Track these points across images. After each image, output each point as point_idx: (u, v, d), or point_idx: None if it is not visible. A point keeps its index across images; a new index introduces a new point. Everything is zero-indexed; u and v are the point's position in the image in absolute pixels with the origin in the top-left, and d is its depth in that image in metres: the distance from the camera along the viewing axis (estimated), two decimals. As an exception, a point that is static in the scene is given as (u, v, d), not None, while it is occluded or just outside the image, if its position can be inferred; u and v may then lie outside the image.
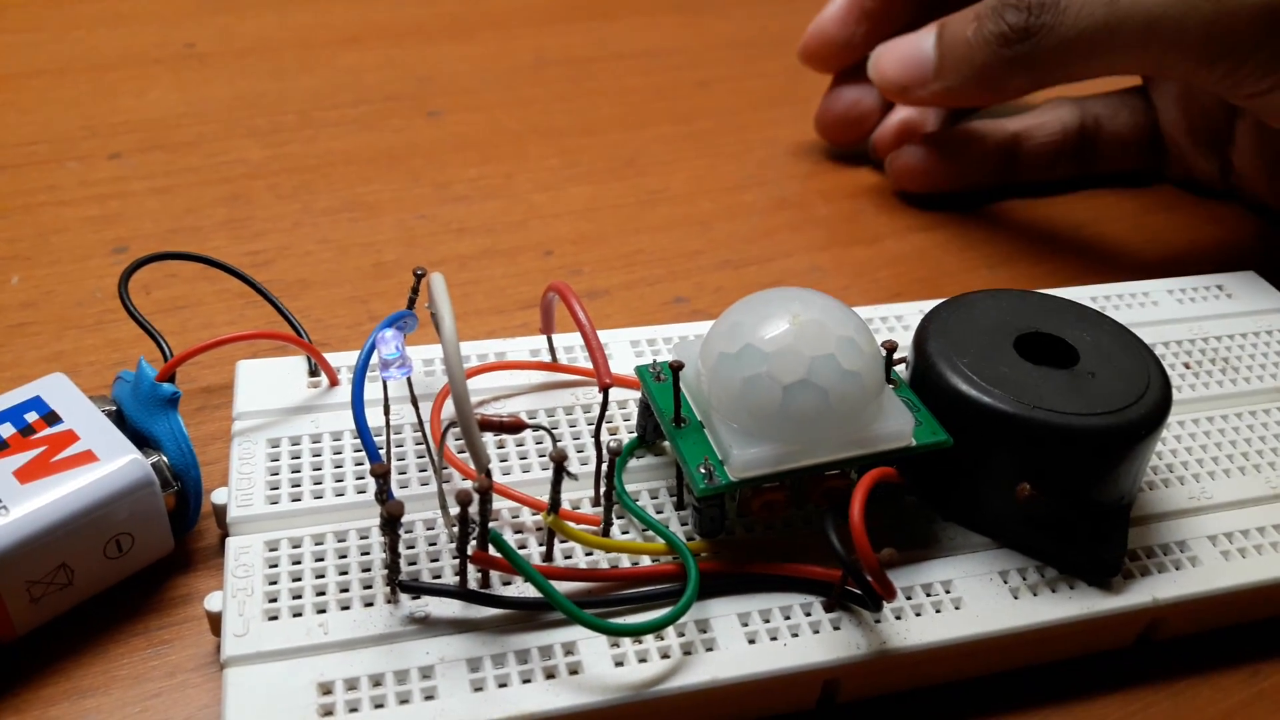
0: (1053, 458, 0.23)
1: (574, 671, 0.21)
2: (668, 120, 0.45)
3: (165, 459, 0.24)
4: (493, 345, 0.28)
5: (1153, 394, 0.23)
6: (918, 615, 0.23)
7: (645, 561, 0.23)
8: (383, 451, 0.24)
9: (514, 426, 0.22)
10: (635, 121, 0.44)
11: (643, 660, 0.21)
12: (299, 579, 0.22)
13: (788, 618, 0.22)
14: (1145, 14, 0.31)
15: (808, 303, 0.23)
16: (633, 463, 0.25)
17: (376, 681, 0.21)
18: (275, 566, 0.22)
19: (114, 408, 0.24)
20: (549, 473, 0.24)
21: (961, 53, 0.34)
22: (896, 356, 0.24)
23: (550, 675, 0.21)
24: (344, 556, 0.23)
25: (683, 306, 0.34)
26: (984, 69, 0.34)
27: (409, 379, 0.24)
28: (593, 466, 0.25)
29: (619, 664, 0.21)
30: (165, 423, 0.24)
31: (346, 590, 0.22)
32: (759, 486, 0.23)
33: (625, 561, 0.23)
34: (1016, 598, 0.23)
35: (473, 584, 0.22)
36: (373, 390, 0.25)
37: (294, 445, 0.25)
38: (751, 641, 0.22)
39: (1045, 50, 0.32)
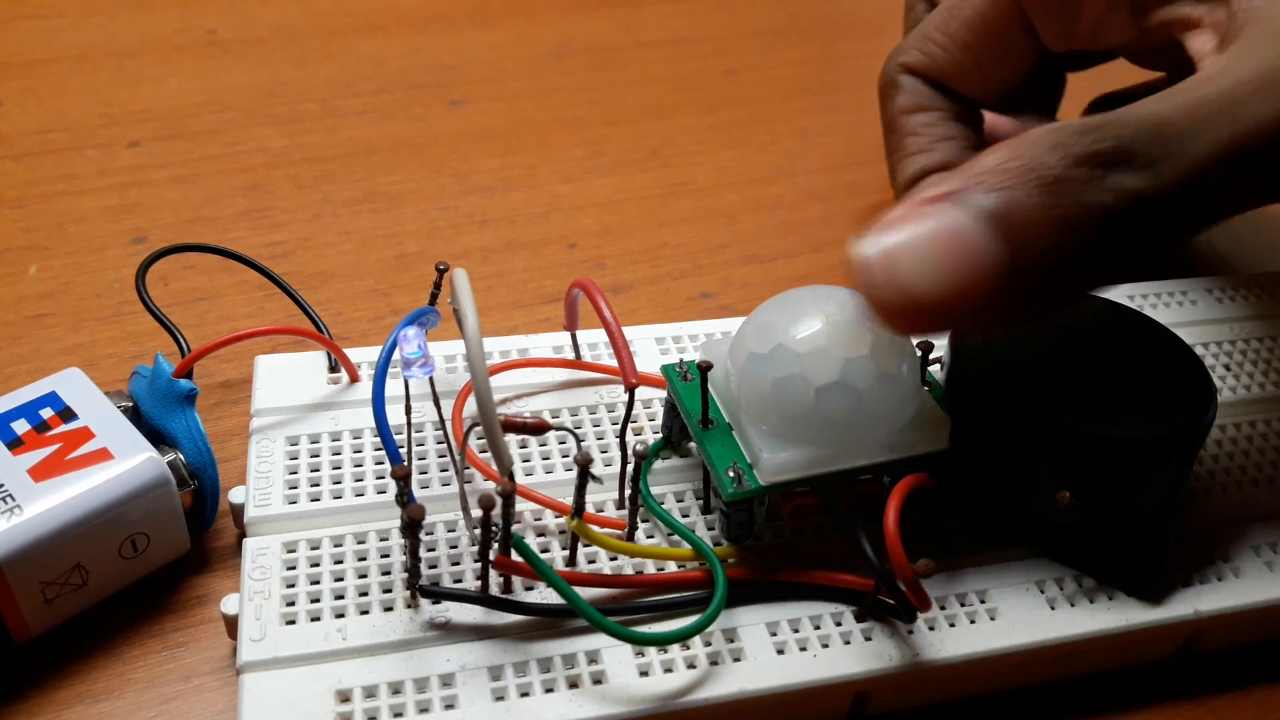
0: (1093, 465, 0.22)
1: (598, 681, 0.21)
2: (693, 110, 0.44)
3: (182, 457, 0.23)
4: (515, 341, 0.28)
5: (1197, 400, 0.23)
6: (951, 626, 0.22)
7: (671, 568, 0.22)
8: (403, 451, 0.24)
9: (538, 428, 0.22)
10: (660, 111, 0.44)
11: (668, 670, 0.21)
12: (317, 582, 0.22)
13: (818, 627, 0.22)
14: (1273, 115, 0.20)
15: (842, 302, 0.22)
16: (658, 465, 0.25)
17: (396, 689, 0.20)
18: (293, 569, 0.22)
19: (130, 404, 0.24)
20: (572, 474, 0.23)
21: (1049, 241, 0.19)
22: (931, 358, 0.24)
23: (573, 685, 0.20)
24: (363, 559, 0.22)
25: (709, 302, 0.34)
26: (1092, 257, 0.19)
27: (431, 377, 0.24)
28: (617, 468, 0.24)
29: (644, 674, 0.21)
30: (182, 420, 0.24)
31: (365, 594, 0.22)
32: (789, 491, 0.22)
33: (650, 567, 0.23)
34: (1054, 608, 0.23)
35: (494, 589, 0.22)
36: (393, 387, 0.24)
37: (313, 443, 0.25)
38: (780, 652, 0.21)
39: (1169, 209, 0.20)
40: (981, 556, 0.23)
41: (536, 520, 0.23)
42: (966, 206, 0.19)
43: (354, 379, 0.26)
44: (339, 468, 0.24)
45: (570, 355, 0.27)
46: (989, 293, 0.19)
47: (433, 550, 0.22)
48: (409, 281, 0.33)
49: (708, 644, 0.21)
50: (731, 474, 0.22)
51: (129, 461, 0.22)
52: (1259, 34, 0.21)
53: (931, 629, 0.22)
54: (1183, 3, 0.25)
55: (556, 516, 0.23)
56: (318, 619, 0.21)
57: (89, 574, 0.22)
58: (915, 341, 0.23)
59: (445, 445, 0.25)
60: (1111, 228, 0.19)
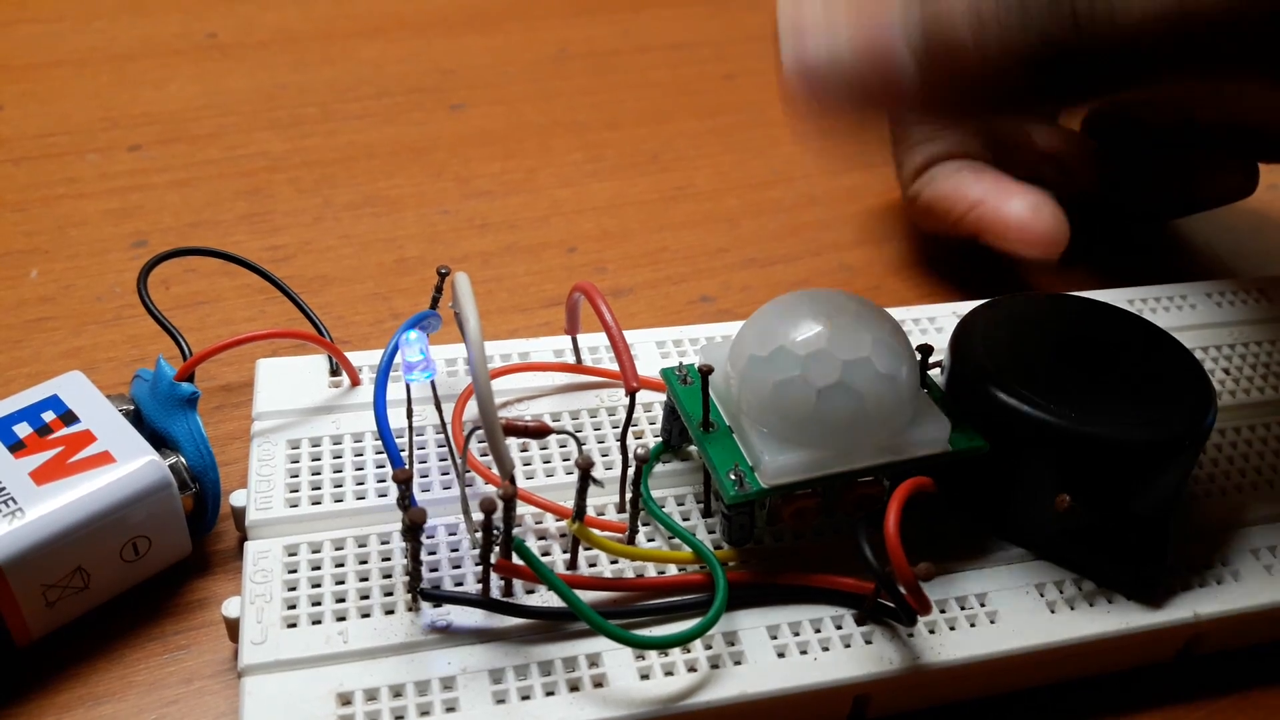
0: (1093, 468, 0.22)
1: (598, 684, 0.21)
2: (693, 114, 0.44)
3: (183, 460, 0.23)
4: (516, 345, 0.28)
5: (1196, 403, 0.23)
6: (952, 629, 0.22)
7: (672, 571, 0.22)
8: (405, 454, 0.24)
9: (539, 432, 0.22)
10: (660, 116, 0.44)
11: (669, 673, 0.21)
12: (318, 585, 0.22)
13: (818, 630, 0.22)
14: None
15: (841, 304, 0.22)
16: (658, 468, 0.25)
17: (397, 692, 0.20)
18: (294, 572, 0.22)
19: (132, 407, 0.24)
20: (573, 478, 0.23)
21: (962, 38, 0.20)
22: (931, 360, 0.24)
23: (574, 688, 0.20)
24: (364, 562, 0.22)
25: (708, 306, 0.34)
26: (1006, 71, 0.20)
27: (432, 381, 0.24)
28: (617, 472, 0.24)
29: (645, 677, 0.21)
30: (183, 423, 0.24)
31: (367, 597, 0.22)
32: (790, 494, 0.22)
33: (651, 570, 0.23)
34: (1053, 612, 0.23)
35: (495, 592, 0.22)
36: (394, 390, 0.25)
37: (314, 446, 0.25)
38: (781, 655, 0.21)
39: (1100, 41, 0.20)
40: (981, 560, 0.23)
41: (537, 523, 0.23)
42: (900, 31, 0.21)
43: (355, 382, 0.26)
44: (340, 471, 0.24)
45: (571, 359, 0.27)
46: (896, 77, 0.21)
47: (434, 553, 0.22)
48: (409, 285, 0.33)
49: (708, 647, 0.21)
50: (733, 477, 0.22)
51: (131, 465, 0.22)
52: None
53: (932, 632, 0.22)
54: None
55: (557, 520, 0.23)
56: (319, 622, 0.21)
57: (90, 577, 0.22)
58: (916, 345, 0.23)
59: (446, 449, 0.25)
60: (1029, 64, 0.20)
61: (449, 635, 0.21)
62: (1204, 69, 0.22)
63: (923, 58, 0.20)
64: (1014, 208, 0.32)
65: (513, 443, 0.25)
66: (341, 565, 0.22)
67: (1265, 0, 0.20)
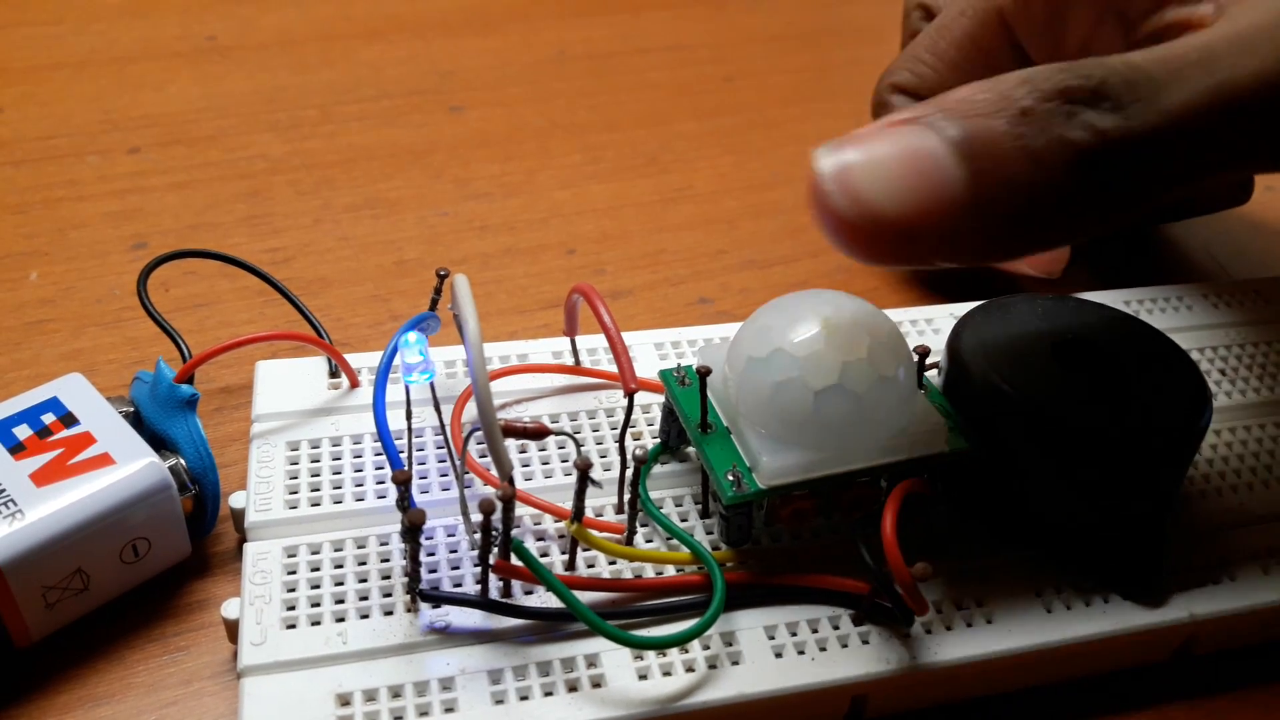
0: (1090, 468, 0.22)
1: (597, 684, 0.21)
2: (692, 116, 0.44)
3: (183, 462, 0.23)
4: (515, 347, 0.28)
5: (1192, 403, 0.23)
6: (949, 629, 0.22)
7: (670, 571, 0.23)
8: (404, 456, 0.24)
9: (538, 433, 0.22)
10: (659, 117, 0.44)
11: (667, 674, 0.21)
12: (318, 586, 0.22)
13: (815, 631, 0.22)
14: (1266, 70, 0.19)
15: (839, 305, 0.23)
16: (656, 469, 0.25)
17: (396, 693, 0.20)
18: (294, 573, 0.22)
19: (131, 409, 0.24)
20: (572, 479, 0.23)
21: (1013, 172, 0.18)
22: (928, 362, 0.24)
23: (573, 688, 0.20)
24: (363, 564, 0.22)
25: (707, 308, 0.34)
26: (1058, 200, 0.19)
27: (431, 382, 0.24)
28: (616, 473, 0.24)
29: (643, 677, 0.21)
30: (183, 425, 0.24)
31: (366, 599, 0.22)
32: (788, 495, 0.22)
33: (649, 571, 0.23)
34: (1050, 612, 0.23)
35: (494, 593, 0.22)
36: (393, 392, 0.25)
37: (314, 448, 0.25)
38: (778, 655, 0.21)
39: (1144, 160, 0.19)
40: (978, 560, 0.23)
41: (536, 525, 0.23)
42: (933, 129, 0.19)
43: (354, 384, 0.26)
44: (339, 473, 0.24)
45: (569, 361, 0.27)
46: (950, 218, 0.18)
47: (433, 555, 0.23)
48: (408, 287, 0.33)
49: (706, 647, 0.21)
50: (731, 478, 0.22)
51: (130, 467, 0.22)
52: (1243, 3, 0.21)
53: (929, 632, 0.22)
54: (1170, 9, 0.24)
55: (556, 521, 0.23)
56: (318, 623, 0.21)
57: (90, 578, 0.22)
58: (913, 346, 0.23)
59: (445, 450, 0.25)
60: (1077, 166, 0.18)
61: (448, 636, 0.21)
62: (1251, 157, 0.21)
63: (964, 149, 0.18)
64: None
65: (511, 444, 0.25)
66: (340, 566, 0.22)
67: None
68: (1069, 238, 0.20)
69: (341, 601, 0.22)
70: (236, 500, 0.24)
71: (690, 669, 0.21)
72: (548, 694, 0.20)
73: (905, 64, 0.29)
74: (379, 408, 0.23)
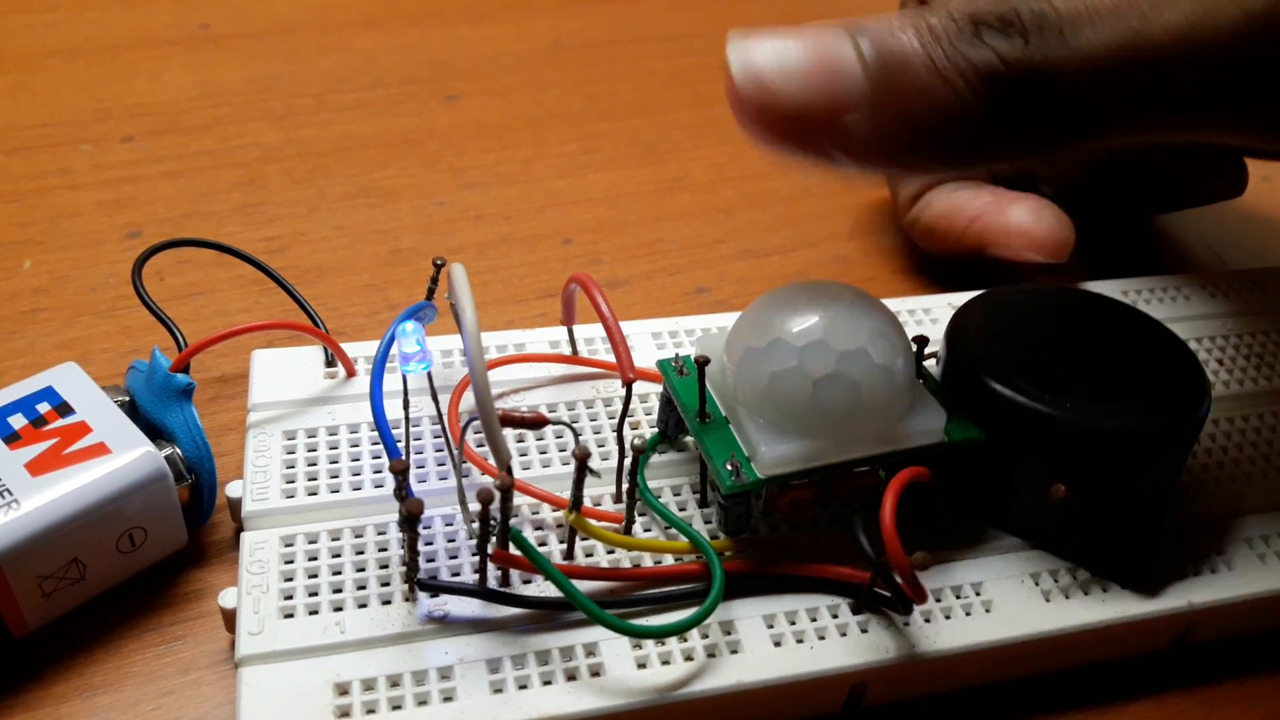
0: (1088, 458, 0.22)
1: (595, 673, 0.21)
2: (688, 105, 0.44)
3: (179, 451, 0.23)
4: (511, 336, 0.28)
5: (1191, 394, 0.23)
6: (947, 618, 0.22)
7: (668, 561, 0.23)
8: (401, 445, 0.24)
9: (536, 422, 0.22)
10: (655, 106, 0.44)
11: (666, 662, 0.21)
12: (315, 575, 0.22)
13: (814, 620, 0.22)
14: (1180, 24, 0.19)
15: (837, 295, 0.22)
16: (654, 459, 0.25)
17: (394, 682, 0.20)
18: (291, 563, 0.22)
19: (127, 398, 0.24)
20: (570, 468, 0.23)
21: (911, 81, 0.19)
22: (927, 352, 0.24)
23: (571, 677, 0.20)
24: (361, 553, 0.22)
25: (704, 297, 0.34)
26: (955, 118, 0.19)
27: (428, 372, 0.24)
28: (614, 462, 0.24)
29: (642, 666, 0.21)
30: (179, 414, 0.24)
31: (364, 588, 0.22)
32: (786, 484, 0.22)
33: (648, 560, 0.23)
34: (1049, 601, 0.23)
35: (492, 583, 0.22)
36: (391, 381, 0.24)
37: (310, 437, 0.25)
38: (777, 644, 0.21)
39: (1051, 97, 0.20)
40: (977, 549, 0.23)
41: (534, 514, 0.23)
42: (846, 34, 0.20)
43: (350, 373, 0.26)
44: (336, 462, 0.24)
45: (567, 350, 0.27)
46: (846, 112, 0.19)
47: (430, 544, 0.22)
48: (404, 276, 0.33)
49: (705, 636, 0.21)
50: (729, 467, 0.22)
51: (126, 456, 0.22)
52: None
53: (927, 621, 0.22)
54: None
55: (554, 510, 0.23)
56: (316, 612, 0.21)
57: (86, 568, 0.22)
58: (911, 336, 0.23)
59: (443, 440, 0.25)
60: (977, 86, 0.19)
61: (446, 625, 0.21)
62: (1165, 115, 0.21)
63: (873, 70, 0.19)
64: (1015, 214, 0.32)
65: (509, 433, 0.25)
66: (338, 556, 0.22)
67: (1222, 36, 0.20)
68: (966, 162, 0.21)
69: (339, 591, 0.21)
70: (233, 489, 0.24)
71: (689, 658, 0.21)
72: (546, 683, 0.20)
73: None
74: (376, 397, 0.23)
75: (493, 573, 0.22)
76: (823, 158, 0.20)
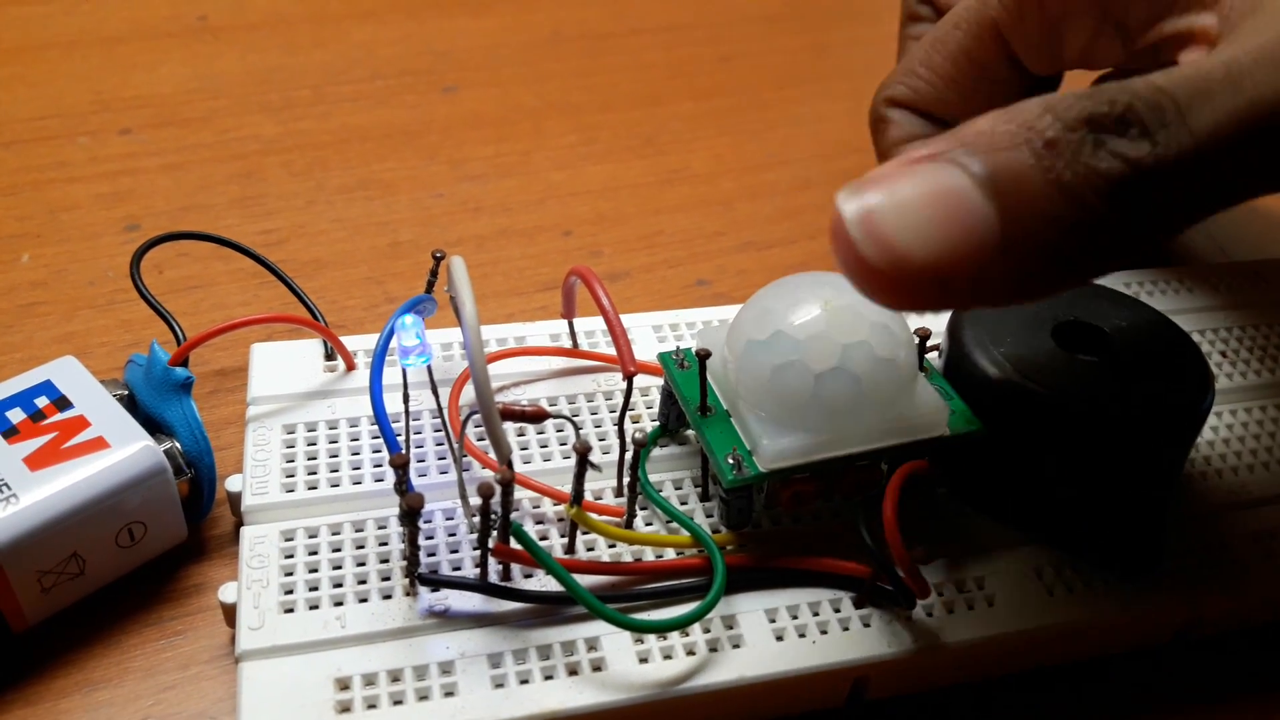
0: (1091, 451, 0.22)
1: (597, 668, 0.21)
2: (688, 97, 0.44)
3: (178, 445, 0.23)
4: (512, 329, 0.28)
5: (1194, 385, 0.23)
6: (950, 612, 0.22)
7: (670, 555, 0.22)
8: (401, 439, 0.24)
9: (536, 416, 0.22)
10: (654, 98, 0.43)
11: (668, 657, 0.21)
12: (315, 570, 0.22)
13: (816, 614, 0.22)
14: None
15: (839, 287, 0.22)
16: (655, 452, 0.25)
17: (395, 677, 0.20)
18: (291, 557, 0.22)
19: (126, 392, 0.24)
20: (571, 462, 0.23)
21: (1040, 208, 0.18)
22: (929, 344, 0.24)
23: (573, 672, 0.20)
24: (361, 547, 0.22)
25: (705, 289, 0.33)
26: (1092, 233, 0.18)
27: (428, 365, 0.24)
28: (615, 456, 0.24)
29: (643, 660, 0.21)
30: (178, 408, 0.23)
31: (364, 582, 0.21)
32: (788, 477, 0.22)
33: (649, 555, 0.23)
34: (1051, 594, 0.23)
35: (493, 577, 0.22)
36: (390, 375, 0.24)
37: (310, 431, 0.24)
38: (779, 638, 0.21)
39: (1180, 186, 0.18)
40: (979, 543, 0.23)
41: (535, 508, 0.23)
42: (957, 165, 0.18)
43: (350, 367, 0.26)
44: (336, 456, 0.24)
45: (567, 343, 0.27)
46: (982, 259, 0.17)
47: (431, 538, 0.22)
48: (403, 269, 0.33)
49: (707, 631, 0.21)
50: (731, 461, 0.22)
51: (125, 450, 0.22)
52: (1258, 18, 0.21)
53: (930, 615, 0.22)
54: (1169, 20, 0.24)
55: (555, 504, 0.23)
56: (316, 607, 0.21)
57: (86, 563, 0.22)
58: (913, 327, 0.23)
59: (443, 433, 0.25)
60: (1109, 197, 0.18)
61: (447, 620, 0.21)
62: None
63: (992, 183, 0.17)
64: None
65: (510, 427, 0.25)
66: (338, 550, 0.22)
67: None
68: (1102, 270, 0.19)
69: (340, 585, 0.21)
70: (233, 484, 0.23)
71: (691, 652, 0.21)
72: (548, 677, 0.20)
73: (900, 78, 0.29)
74: (375, 391, 0.23)
75: (494, 567, 0.22)
76: (955, 306, 0.19)
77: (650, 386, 0.26)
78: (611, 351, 0.26)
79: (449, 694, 0.20)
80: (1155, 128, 0.18)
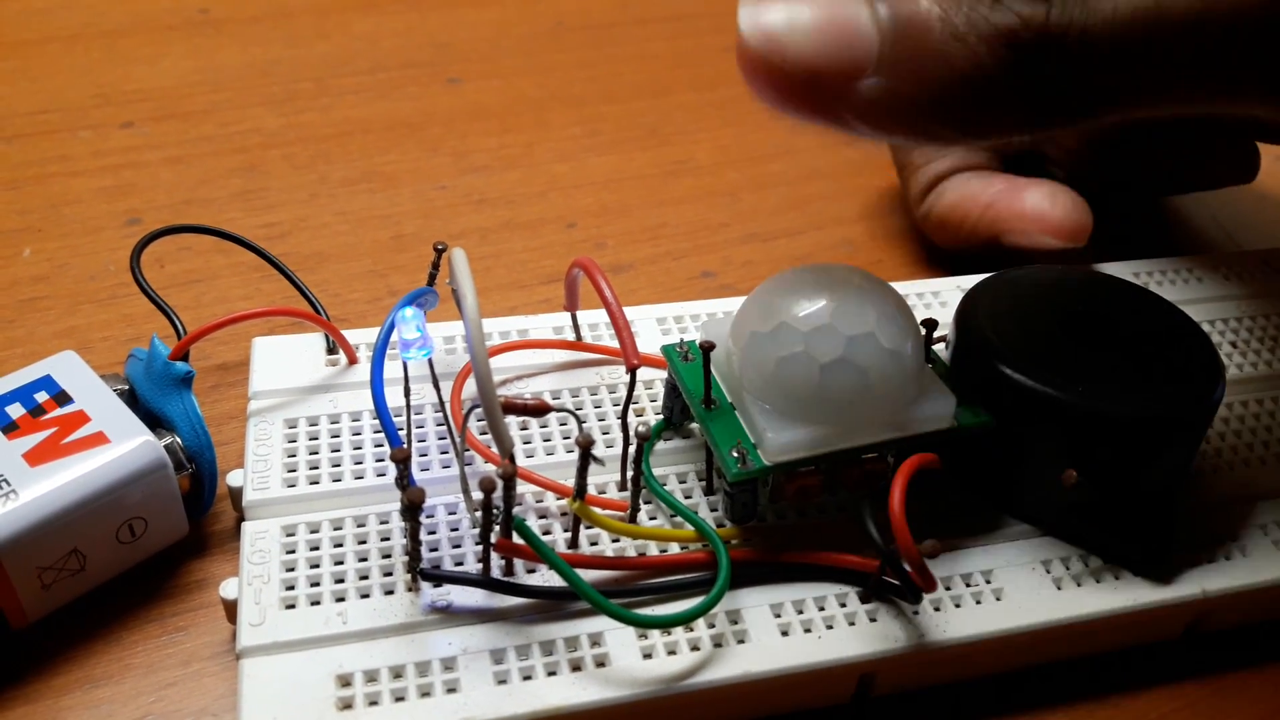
0: (1099, 443, 0.22)
1: (601, 664, 0.20)
2: (692, 87, 0.43)
3: (179, 440, 0.23)
4: (515, 322, 0.27)
5: (1204, 377, 0.22)
6: (957, 606, 0.22)
7: (674, 549, 0.22)
8: (403, 434, 0.24)
9: (539, 410, 0.21)
10: (659, 89, 0.43)
11: (672, 653, 0.21)
12: (317, 565, 0.21)
13: (822, 609, 0.21)
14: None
15: (845, 279, 0.22)
16: (659, 445, 0.25)
17: (397, 673, 0.20)
18: (293, 553, 0.22)
19: (126, 387, 0.24)
20: (574, 455, 0.23)
21: (928, 45, 0.19)
22: (936, 335, 0.24)
23: (576, 667, 0.20)
24: (363, 542, 0.22)
25: (709, 281, 0.33)
26: (974, 84, 0.19)
27: (430, 359, 0.24)
28: (618, 450, 0.24)
29: (647, 656, 0.20)
30: (179, 403, 0.23)
31: (366, 578, 0.21)
32: (793, 471, 0.22)
33: (653, 549, 0.22)
34: (1060, 588, 0.22)
35: (496, 572, 0.21)
36: (392, 369, 0.24)
37: (312, 426, 0.24)
38: (785, 633, 0.21)
39: (1074, 64, 0.19)
40: (987, 536, 0.23)
41: (538, 502, 0.23)
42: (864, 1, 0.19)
43: (352, 361, 0.26)
44: (338, 450, 0.24)
45: (570, 336, 0.27)
46: (861, 72, 0.19)
47: (433, 533, 0.22)
48: (406, 262, 0.33)
49: (711, 626, 0.21)
50: (735, 454, 0.21)
51: (125, 445, 0.22)
52: None
53: (937, 610, 0.22)
54: None
55: (558, 498, 0.23)
56: (318, 603, 0.21)
57: (86, 559, 0.22)
58: (920, 319, 0.23)
59: (445, 427, 0.24)
60: (997, 50, 0.18)
61: (449, 615, 0.21)
62: (1190, 84, 0.20)
63: (889, 31, 0.19)
64: (1030, 199, 0.31)
65: (512, 421, 0.25)
66: (340, 545, 0.22)
67: (1249, 2, 0.19)
68: (980, 130, 0.20)
69: (341, 581, 0.21)
70: (234, 479, 0.23)
71: (695, 648, 0.21)
72: (551, 674, 0.20)
73: None
74: (377, 385, 0.23)
75: (496, 562, 0.21)
76: (836, 122, 0.20)
77: (654, 379, 0.26)
78: (615, 344, 0.26)
79: (451, 690, 0.20)
80: (1066, 1, 0.19)
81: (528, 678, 0.20)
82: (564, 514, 0.23)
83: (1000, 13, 0.19)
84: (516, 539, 0.20)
